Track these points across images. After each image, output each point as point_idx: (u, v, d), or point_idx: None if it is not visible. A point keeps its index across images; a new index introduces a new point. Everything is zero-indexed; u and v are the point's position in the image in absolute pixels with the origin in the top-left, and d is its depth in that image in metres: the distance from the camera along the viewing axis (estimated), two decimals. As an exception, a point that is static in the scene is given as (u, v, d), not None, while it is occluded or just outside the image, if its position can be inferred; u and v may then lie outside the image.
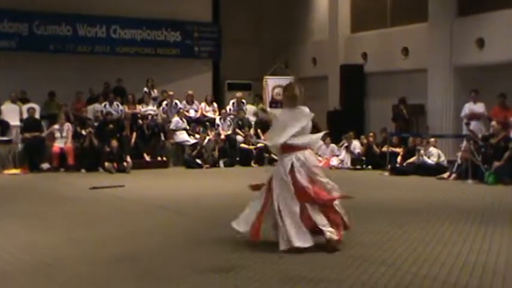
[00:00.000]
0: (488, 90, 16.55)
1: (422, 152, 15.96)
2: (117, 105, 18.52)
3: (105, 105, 18.37)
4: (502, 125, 15.17)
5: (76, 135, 16.99)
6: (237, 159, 18.49)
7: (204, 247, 7.15)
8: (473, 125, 15.89)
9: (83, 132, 17.04)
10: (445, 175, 14.85)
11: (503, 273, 5.70)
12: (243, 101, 20.30)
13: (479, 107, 16.38)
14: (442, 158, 15.88)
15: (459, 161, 14.87)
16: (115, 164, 16.25)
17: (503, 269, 5.84)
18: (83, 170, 16.35)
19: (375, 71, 20.76)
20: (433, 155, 15.90)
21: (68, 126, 16.90)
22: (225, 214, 9.53)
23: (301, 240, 6.54)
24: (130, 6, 21.03)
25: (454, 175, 14.70)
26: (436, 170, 15.35)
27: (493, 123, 15.26)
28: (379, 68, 20.52)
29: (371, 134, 18.12)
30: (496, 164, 13.95)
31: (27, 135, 16.71)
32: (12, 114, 17.44)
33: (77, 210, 10.17)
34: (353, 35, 21.88)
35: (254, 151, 18.60)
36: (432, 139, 16.39)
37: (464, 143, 15.05)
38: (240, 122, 19.42)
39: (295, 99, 6.94)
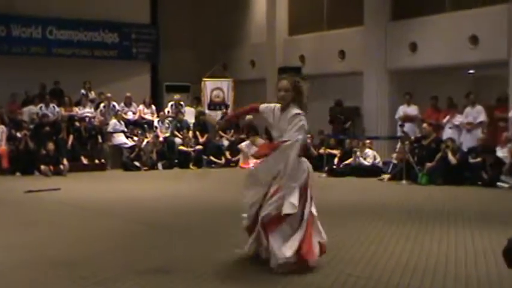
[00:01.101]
0: (421, 93, 16.96)
1: (358, 153, 16.21)
2: (54, 107, 18.31)
3: (41, 107, 18.13)
4: (433, 126, 15.62)
5: (11, 138, 16.79)
6: (176, 161, 18.44)
7: (140, 250, 7.14)
8: (407, 126, 16.30)
9: (18, 134, 16.84)
10: (385, 177, 15.14)
11: (432, 272, 5.84)
12: (182, 103, 20.27)
13: (412, 110, 16.78)
14: (378, 159, 16.18)
15: (395, 162, 15.20)
16: (51, 167, 16.05)
17: (432, 268, 5.98)
18: (18, 173, 16.12)
19: (312, 74, 20.90)
20: (369, 156, 16.18)
21: (2, 128, 16.70)
22: (162, 217, 9.59)
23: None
24: (67, 6, 20.74)
25: (388, 175, 15.03)
26: (371, 171, 15.65)
27: (424, 125, 15.68)
28: (317, 70, 20.66)
29: (308, 136, 18.29)
30: (428, 164, 14.32)
31: None
32: None
33: (11, 214, 9.96)
34: (291, 37, 22.03)
35: (192, 153, 18.60)
36: (368, 141, 16.68)
37: (399, 144, 15.39)
38: (178, 124, 19.39)
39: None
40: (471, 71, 18.06)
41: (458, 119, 15.72)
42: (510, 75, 15.48)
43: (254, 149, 18.59)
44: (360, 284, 5.51)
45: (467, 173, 14.04)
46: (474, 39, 16.36)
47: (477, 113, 15.48)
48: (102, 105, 19.26)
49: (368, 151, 16.27)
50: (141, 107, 20.06)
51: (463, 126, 15.60)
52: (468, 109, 15.62)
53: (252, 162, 18.32)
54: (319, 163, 16.91)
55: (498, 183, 13.34)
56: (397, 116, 16.86)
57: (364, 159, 16.12)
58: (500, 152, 14.07)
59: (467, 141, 15.20)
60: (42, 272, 6.12)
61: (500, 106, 15.81)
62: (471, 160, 14.19)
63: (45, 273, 6.05)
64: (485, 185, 13.33)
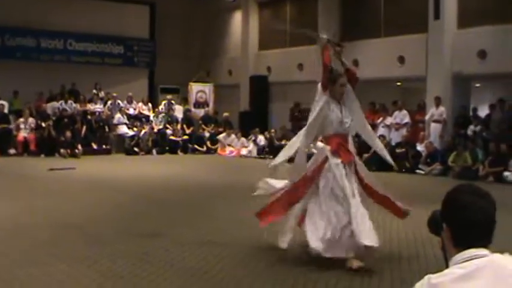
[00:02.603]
0: (362, 99, 16.96)
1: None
2: (71, 103, 18.21)
3: (61, 104, 18.03)
4: (370, 125, 15.82)
5: (37, 127, 16.76)
6: (167, 148, 18.36)
7: (135, 217, 7.23)
8: (351, 125, 16.48)
9: (43, 124, 16.79)
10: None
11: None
12: (173, 102, 20.22)
13: (354, 112, 16.96)
14: (326, 150, 16.31)
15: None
16: (68, 151, 16.00)
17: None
18: (42, 155, 16.00)
19: (277, 81, 21.01)
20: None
21: (31, 119, 16.75)
22: (155, 191, 9.68)
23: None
24: (84, 24, 20.76)
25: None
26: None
27: (364, 124, 15.87)
28: (280, 79, 20.74)
29: (273, 130, 18.41)
30: (365, 155, 14.50)
31: None
32: (-14, 110, 17.14)
33: (37, 186, 10.04)
34: (260, 52, 22.02)
35: (180, 142, 18.60)
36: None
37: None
38: (169, 119, 19.34)
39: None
40: (399, 83, 18.39)
41: (389, 120, 15.85)
42: (427, 87, 15.67)
43: (230, 140, 18.75)
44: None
45: (394, 162, 14.28)
46: (401, 59, 16.52)
47: (403, 116, 15.65)
48: (109, 102, 19.12)
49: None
50: (140, 104, 19.95)
51: (392, 126, 15.73)
52: (396, 113, 15.78)
53: (228, 150, 18.48)
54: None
55: (417, 170, 13.61)
56: (342, 117, 17.01)
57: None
58: (419, 147, 14.33)
59: (395, 137, 15.30)
60: (60, 231, 6.24)
61: (419, 111, 16.02)
62: (397, 152, 14.30)
63: (61, 233, 6.17)
64: (408, 172, 13.53)
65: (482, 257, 1.79)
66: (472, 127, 14.32)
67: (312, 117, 5.33)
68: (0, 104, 16.90)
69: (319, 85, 5.27)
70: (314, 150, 5.30)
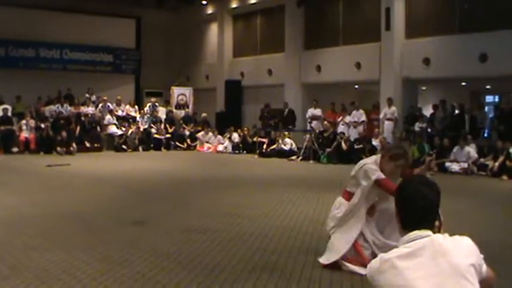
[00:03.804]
0: (324, 100, 17.15)
1: (280, 141, 16.35)
2: (67, 106, 18.10)
3: (58, 107, 17.93)
4: (331, 123, 15.95)
5: (37, 128, 16.61)
6: (152, 145, 18.28)
7: (125, 207, 7.21)
8: (314, 123, 16.51)
9: (42, 125, 16.64)
10: (294, 158, 15.27)
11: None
12: (156, 104, 20.08)
13: (317, 111, 16.92)
14: (294, 146, 16.23)
15: (304, 147, 15.46)
16: (64, 149, 15.90)
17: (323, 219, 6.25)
18: (41, 153, 15.85)
19: (249, 85, 21.07)
20: (287, 143, 16.29)
21: (31, 121, 16.63)
22: (142, 184, 9.64)
23: None
24: (77, 36, 20.88)
25: (300, 157, 15.25)
26: (289, 154, 15.72)
27: (325, 122, 15.99)
28: (252, 83, 20.81)
29: (246, 128, 18.44)
30: (328, 150, 14.65)
31: (2, 128, 16.31)
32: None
33: (37, 181, 9.92)
34: (234, 59, 22.05)
35: (163, 140, 18.51)
36: (286, 132, 16.87)
37: (308, 135, 15.66)
38: (154, 119, 19.22)
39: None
40: (356, 86, 18.60)
41: (348, 119, 15.96)
42: (381, 89, 15.88)
43: (208, 137, 18.71)
44: (278, 233, 5.72)
45: (353, 156, 14.17)
46: (358, 65, 16.68)
47: (360, 115, 15.80)
48: (100, 105, 18.91)
49: (287, 140, 16.41)
50: (128, 106, 19.80)
51: (351, 124, 15.85)
52: (354, 112, 15.91)
53: (206, 146, 18.45)
54: (253, 148, 17.20)
55: (373, 163, 13.78)
56: (307, 116, 17.01)
57: (284, 145, 16.24)
58: (374, 142, 14.48)
59: (353, 134, 15.43)
60: (58, 221, 6.19)
61: (374, 110, 16.25)
62: (356, 147, 14.53)
63: (59, 222, 6.12)
64: (364, 164, 13.74)
65: (425, 237, 1.87)
66: (418, 124, 14.57)
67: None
68: (4, 108, 16.89)
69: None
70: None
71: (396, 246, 1.93)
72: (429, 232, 1.88)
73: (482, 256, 1.88)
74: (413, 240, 1.87)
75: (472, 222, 6.36)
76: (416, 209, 1.91)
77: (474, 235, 2.10)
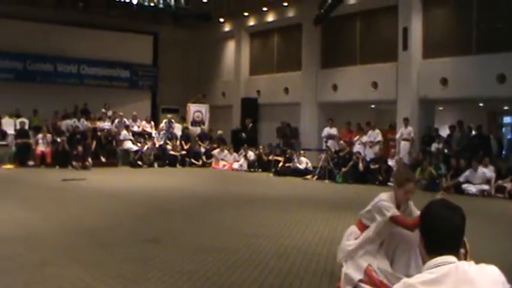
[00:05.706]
0: (340, 119, 17.15)
1: (295, 160, 16.31)
2: (83, 121, 18.26)
3: (74, 121, 18.10)
4: (347, 143, 15.86)
5: (53, 142, 16.73)
6: (167, 162, 18.32)
7: (139, 224, 7.18)
8: (330, 142, 16.39)
9: (58, 139, 16.78)
10: (309, 177, 15.16)
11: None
12: (172, 120, 20.20)
13: (333, 131, 16.85)
14: (309, 165, 16.13)
15: (320, 166, 15.36)
16: (80, 163, 15.96)
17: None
18: (57, 167, 15.97)
19: (265, 103, 21.12)
20: (303, 162, 16.22)
21: (48, 135, 16.76)
22: (157, 201, 9.62)
23: None
24: (95, 51, 21.09)
25: (316, 176, 15.12)
26: (304, 173, 15.62)
27: (341, 142, 15.90)
28: (268, 101, 20.86)
29: (261, 146, 18.43)
30: (343, 169, 14.55)
31: (19, 141, 16.54)
32: (9, 126, 17.29)
33: (52, 195, 9.94)
34: (251, 77, 22.15)
35: (179, 156, 18.55)
36: (302, 151, 16.81)
37: (324, 154, 15.55)
38: (169, 136, 19.30)
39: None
40: (373, 106, 18.53)
41: (364, 138, 15.86)
42: (397, 110, 15.81)
43: (223, 155, 18.71)
44: (293, 253, 5.67)
45: (369, 175, 14.22)
46: (375, 84, 16.69)
47: (376, 135, 15.70)
48: (116, 120, 19.08)
49: (302, 158, 16.32)
50: (144, 122, 19.87)
51: (367, 144, 15.73)
52: (370, 132, 15.81)
53: (221, 164, 18.44)
54: (268, 166, 17.11)
55: (389, 183, 13.56)
56: (323, 135, 16.93)
57: (300, 164, 16.19)
58: (390, 162, 14.39)
59: (369, 154, 15.32)
60: (72, 236, 6.18)
61: (390, 130, 16.18)
62: (372, 167, 14.42)
63: (74, 238, 6.10)
64: (381, 184, 13.53)
65: (450, 263, 1.81)
66: (435, 145, 14.43)
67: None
68: (21, 121, 17.10)
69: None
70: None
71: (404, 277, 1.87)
72: (454, 258, 1.83)
73: (509, 286, 1.81)
74: (438, 266, 1.82)
75: (493, 247, 6.21)
76: (440, 232, 1.87)
77: (497, 261, 2.03)
